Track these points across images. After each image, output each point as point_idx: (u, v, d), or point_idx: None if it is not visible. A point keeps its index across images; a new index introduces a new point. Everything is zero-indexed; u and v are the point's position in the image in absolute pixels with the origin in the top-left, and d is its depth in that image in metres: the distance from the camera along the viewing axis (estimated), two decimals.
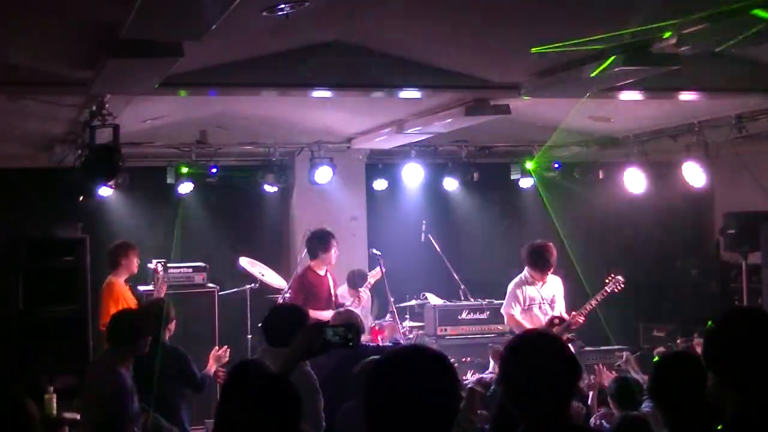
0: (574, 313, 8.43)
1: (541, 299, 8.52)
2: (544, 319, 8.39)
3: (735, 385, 2.73)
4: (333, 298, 9.03)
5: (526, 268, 8.54)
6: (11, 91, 6.83)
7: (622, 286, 8.59)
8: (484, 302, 9.90)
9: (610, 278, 8.60)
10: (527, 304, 8.48)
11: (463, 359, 9.16)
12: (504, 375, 3.07)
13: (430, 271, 10.59)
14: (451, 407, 2.72)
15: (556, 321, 8.32)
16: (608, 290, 8.53)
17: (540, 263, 8.43)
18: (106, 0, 4.70)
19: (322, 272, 9.01)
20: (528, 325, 8.22)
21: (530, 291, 8.51)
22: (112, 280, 8.89)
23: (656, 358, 5.21)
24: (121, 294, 8.79)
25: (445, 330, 9.67)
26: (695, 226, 12.17)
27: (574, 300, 8.81)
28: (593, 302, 8.50)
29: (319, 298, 8.88)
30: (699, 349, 6.88)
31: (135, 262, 9.05)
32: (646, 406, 5.60)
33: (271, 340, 5.46)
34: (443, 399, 2.69)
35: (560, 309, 8.57)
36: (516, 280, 8.57)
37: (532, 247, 8.51)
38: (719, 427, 2.77)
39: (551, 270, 8.51)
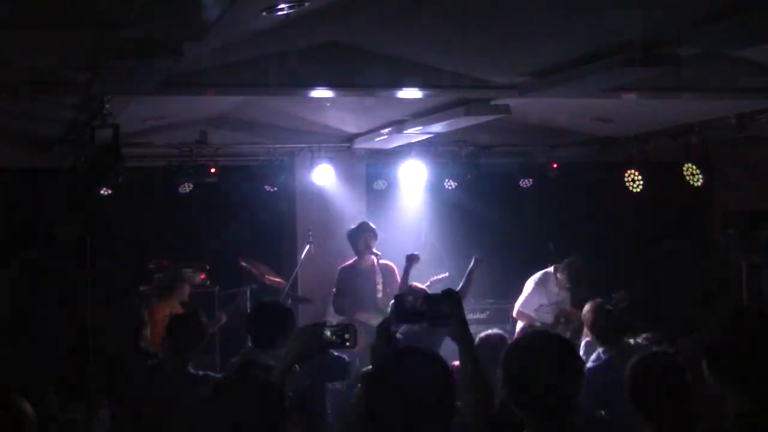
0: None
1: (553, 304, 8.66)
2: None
3: (735, 386, 2.73)
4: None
5: (559, 274, 8.65)
6: (11, 91, 6.83)
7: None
8: (484, 302, 9.89)
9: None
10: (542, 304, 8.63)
11: None
12: (506, 374, 3.07)
13: (430, 271, 10.57)
14: (448, 408, 2.75)
15: (562, 320, 8.41)
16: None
17: (577, 282, 8.57)
18: (106, 0, 4.70)
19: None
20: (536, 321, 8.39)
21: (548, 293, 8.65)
22: (155, 308, 8.58)
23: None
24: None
25: None
26: (695, 226, 12.15)
27: None
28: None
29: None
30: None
31: (186, 292, 8.93)
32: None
33: (257, 341, 5.35)
34: (441, 400, 2.72)
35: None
36: (540, 276, 8.72)
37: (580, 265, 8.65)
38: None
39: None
